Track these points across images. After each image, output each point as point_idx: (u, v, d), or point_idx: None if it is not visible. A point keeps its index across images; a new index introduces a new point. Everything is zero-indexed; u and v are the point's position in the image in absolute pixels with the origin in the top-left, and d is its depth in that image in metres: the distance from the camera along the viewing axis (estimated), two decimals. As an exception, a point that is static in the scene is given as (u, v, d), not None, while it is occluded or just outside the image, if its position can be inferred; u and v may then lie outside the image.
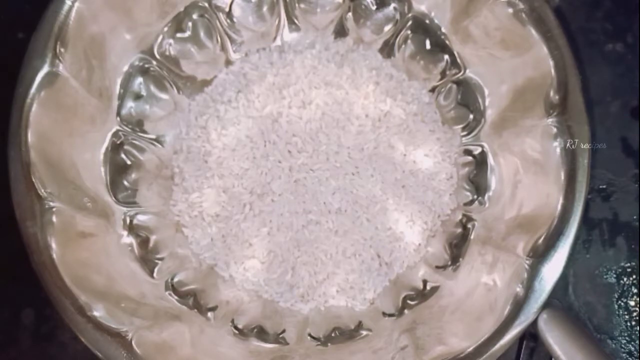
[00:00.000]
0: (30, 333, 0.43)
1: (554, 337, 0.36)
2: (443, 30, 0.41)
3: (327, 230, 0.41)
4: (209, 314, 0.39)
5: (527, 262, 0.36)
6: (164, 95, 0.42)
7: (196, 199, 0.42)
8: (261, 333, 0.40)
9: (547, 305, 0.36)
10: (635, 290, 0.42)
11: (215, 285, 0.42)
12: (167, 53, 0.41)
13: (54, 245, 0.35)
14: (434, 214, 0.42)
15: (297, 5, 0.43)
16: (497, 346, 0.36)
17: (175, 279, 0.40)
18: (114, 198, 0.39)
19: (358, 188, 0.41)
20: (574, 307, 0.42)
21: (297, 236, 0.41)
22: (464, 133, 0.42)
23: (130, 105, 0.41)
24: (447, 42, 0.41)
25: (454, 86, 0.42)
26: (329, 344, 0.40)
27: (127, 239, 0.39)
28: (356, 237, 0.41)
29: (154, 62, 0.41)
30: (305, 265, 0.41)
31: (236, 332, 0.39)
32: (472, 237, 0.40)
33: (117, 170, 0.40)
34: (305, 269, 0.41)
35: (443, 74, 0.42)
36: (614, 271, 0.42)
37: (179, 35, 0.41)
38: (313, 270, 0.42)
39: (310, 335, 0.40)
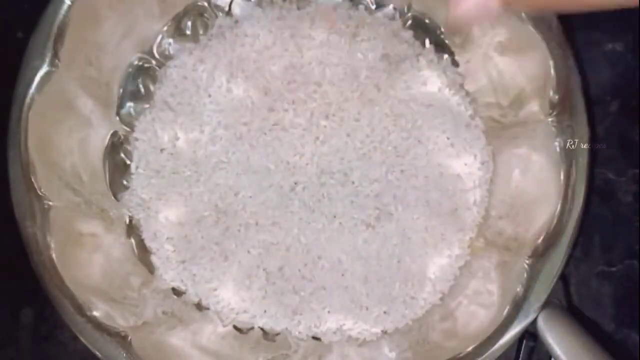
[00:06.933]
0: (30, 333, 0.42)
1: (553, 336, 0.36)
2: (443, 29, 0.41)
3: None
4: (209, 314, 0.39)
5: (527, 262, 0.36)
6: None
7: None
8: (261, 333, 0.40)
9: (546, 304, 0.36)
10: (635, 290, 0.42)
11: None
12: (167, 53, 0.41)
13: (53, 245, 0.36)
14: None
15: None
16: (497, 346, 0.36)
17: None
18: (113, 198, 0.39)
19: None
20: (573, 306, 0.42)
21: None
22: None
23: (129, 105, 0.40)
24: (446, 41, 0.41)
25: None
26: (330, 344, 0.40)
27: (127, 239, 0.39)
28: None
29: (154, 62, 0.41)
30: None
31: (236, 332, 0.39)
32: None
33: (117, 170, 0.40)
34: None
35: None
36: (613, 271, 0.42)
37: (178, 35, 0.41)
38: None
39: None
